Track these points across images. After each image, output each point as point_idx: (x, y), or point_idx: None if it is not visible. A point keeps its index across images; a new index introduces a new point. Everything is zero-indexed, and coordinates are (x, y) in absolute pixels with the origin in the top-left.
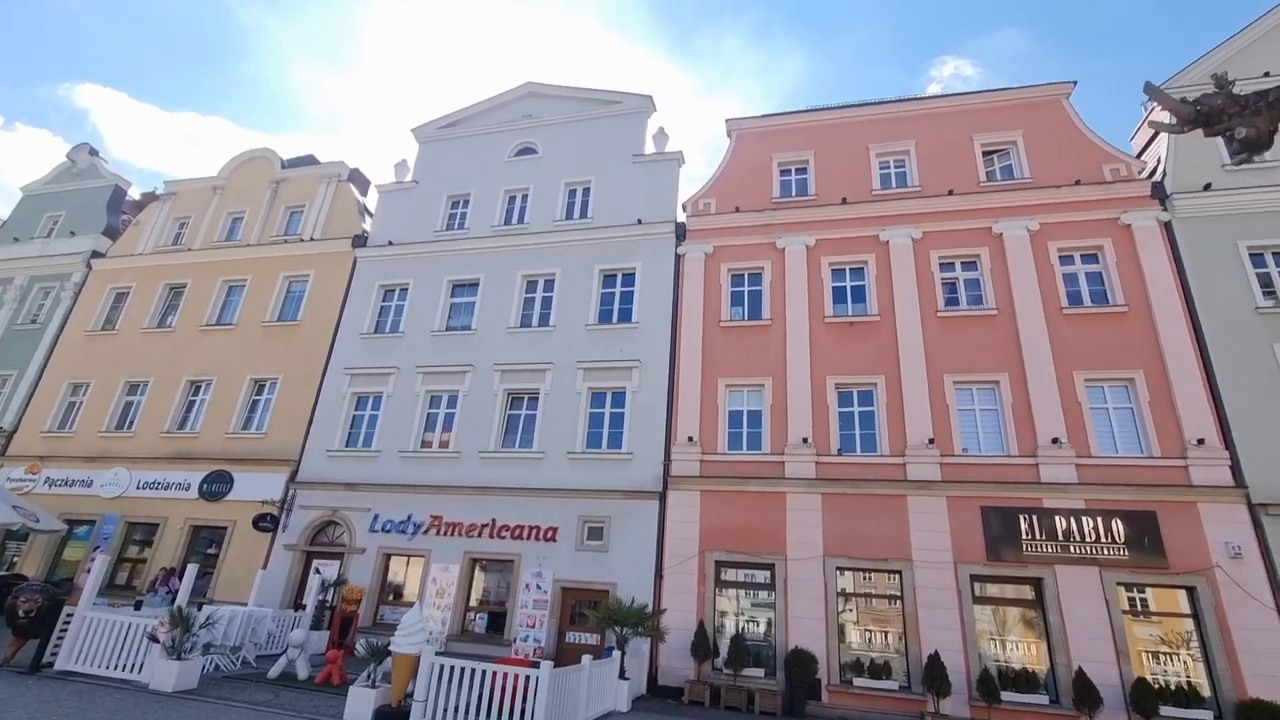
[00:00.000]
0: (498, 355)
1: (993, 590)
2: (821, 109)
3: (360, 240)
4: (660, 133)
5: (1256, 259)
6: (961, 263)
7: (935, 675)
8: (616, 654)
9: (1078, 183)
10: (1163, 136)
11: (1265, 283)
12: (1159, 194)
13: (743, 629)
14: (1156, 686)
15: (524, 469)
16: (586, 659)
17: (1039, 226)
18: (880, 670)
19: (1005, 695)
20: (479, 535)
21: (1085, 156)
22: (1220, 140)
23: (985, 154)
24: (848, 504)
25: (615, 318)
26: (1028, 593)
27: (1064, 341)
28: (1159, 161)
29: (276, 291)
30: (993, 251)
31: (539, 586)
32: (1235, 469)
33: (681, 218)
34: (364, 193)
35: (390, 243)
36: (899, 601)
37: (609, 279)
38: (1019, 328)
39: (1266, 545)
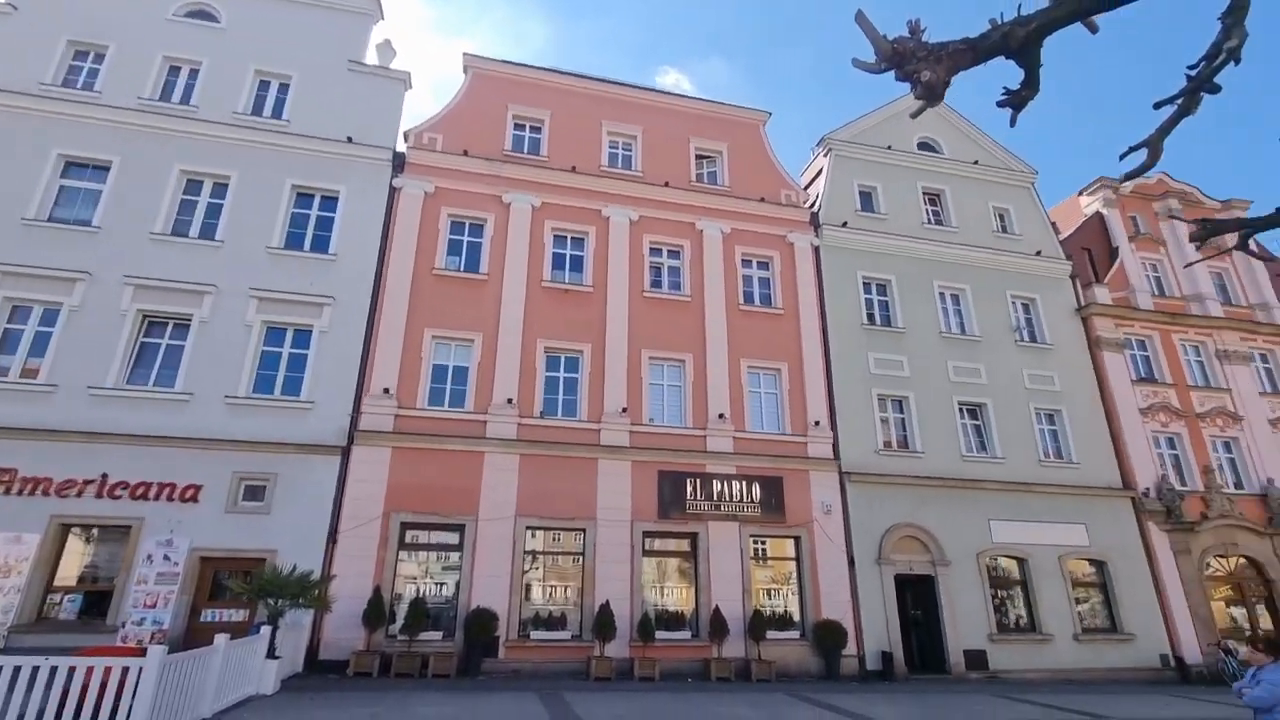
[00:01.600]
0: (132, 265)
1: (659, 545)
2: (563, 72)
3: None
4: (386, 45)
5: (867, 287)
6: (668, 250)
7: (604, 623)
8: (265, 630)
9: (762, 200)
10: (823, 178)
11: (869, 306)
12: (815, 223)
13: (425, 592)
14: (766, 616)
15: (160, 413)
16: (221, 639)
17: (730, 230)
18: (557, 622)
19: (659, 634)
20: (78, 494)
21: (770, 180)
22: (855, 187)
23: (698, 157)
24: (544, 465)
25: (308, 244)
26: (685, 546)
27: (736, 332)
28: (818, 198)
29: None
30: (693, 245)
31: (167, 558)
32: (835, 446)
33: (402, 147)
34: None
35: None
36: (581, 558)
37: (304, 198)
38: (705, 316)
39: (847, 504)
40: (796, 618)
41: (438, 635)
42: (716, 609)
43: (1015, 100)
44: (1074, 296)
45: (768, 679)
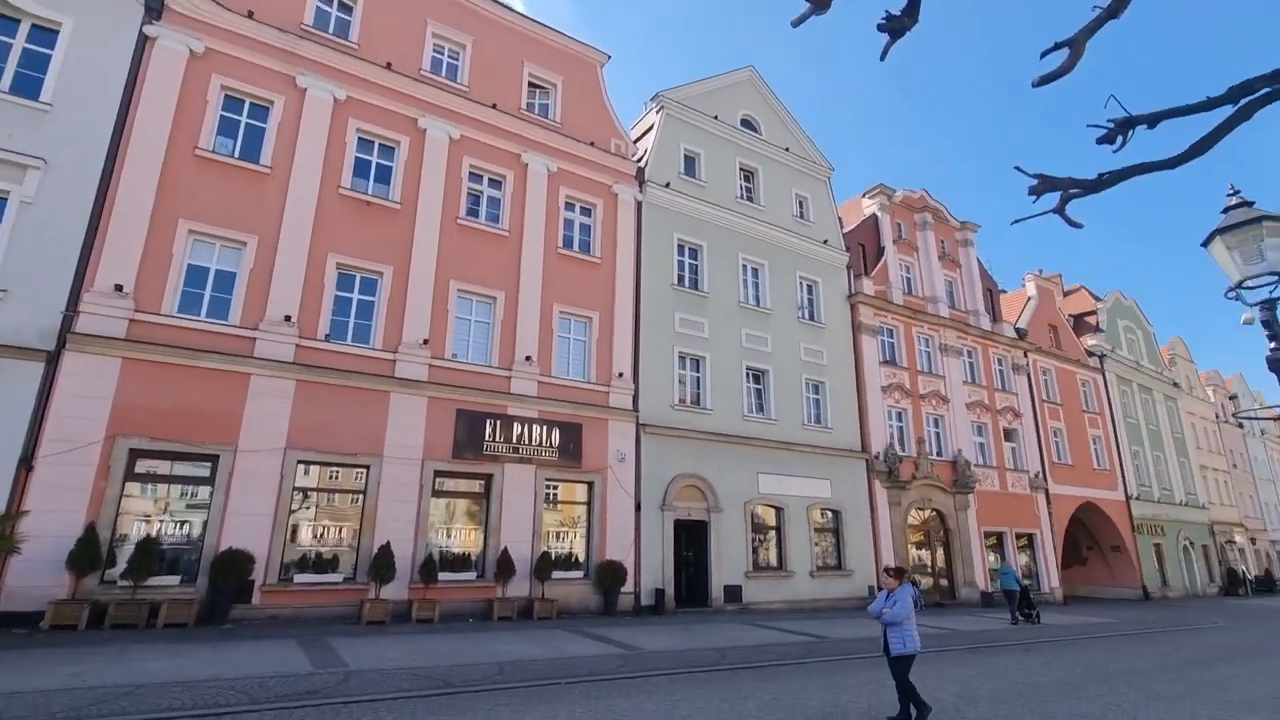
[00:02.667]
0: None
1: (450, 485)
2: None
3: None
4: None
5: (681, 249)
6: (490, 179)
7: (383, 564)
8: None
9: (593, 144)
10: (653, 134)
11: (681, 268)
12: (640, 178)
13: (162, 532)
14: (553, 557)
15: None
16: None
17: (557, 170)
18: (327, 564)
19: (442, 575)
20: None
21: (602, 125)
22: (681, 150)
23: (530, 85)
24: (325, 395)
25: (9, 84)
26: (478, 487)
27: (552, 275)
28: (646, 154)
29: None
30: (517, 178)
31: None
32: (635, 398)
33: None
34: None
35: None
36: (361, 497)
37: (6, 23)
38: (523, 254)
39: (640, 453)
40: (582, 559)
41: (174, 580)
42: (505, 550)
43: (893, 26)
44: (847, 285)
45: (549, 617)
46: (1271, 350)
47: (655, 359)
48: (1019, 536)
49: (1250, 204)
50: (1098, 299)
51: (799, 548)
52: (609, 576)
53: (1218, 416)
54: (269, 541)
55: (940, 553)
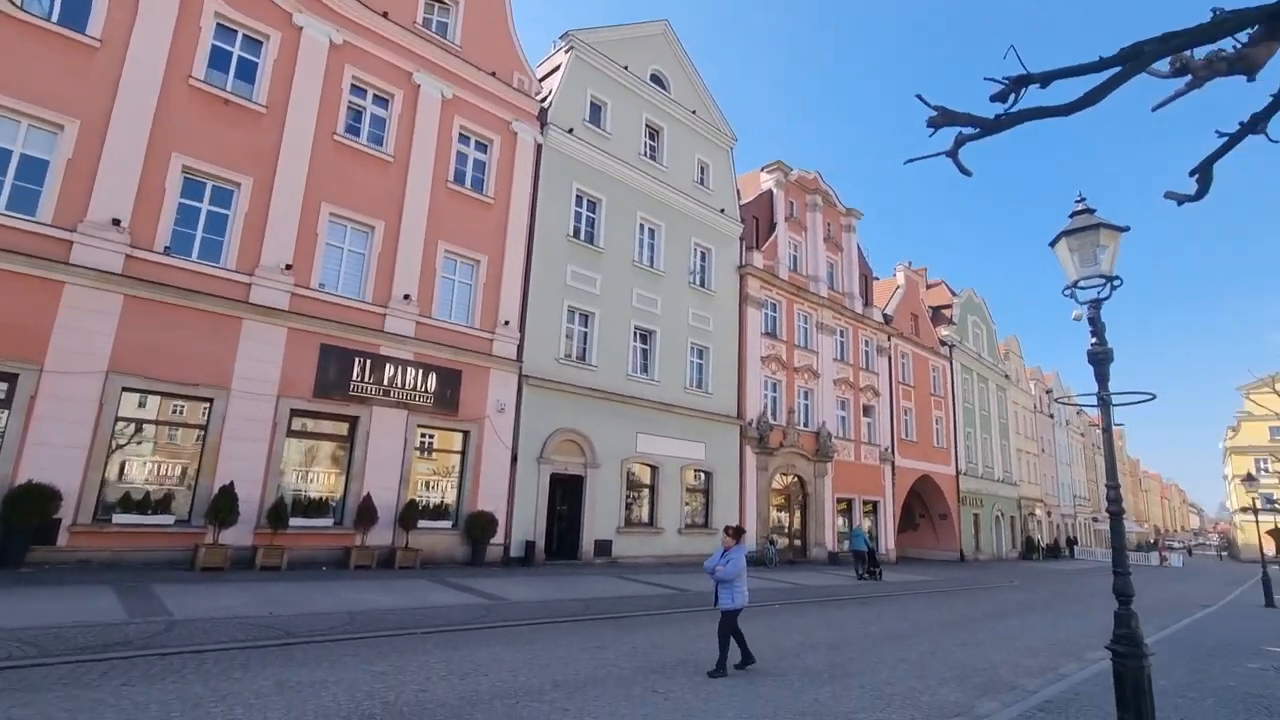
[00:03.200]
0: None
1: (311, 425)
2: None
3: None
4: None
5: (579, 200)
6: (375, 95)
7: (223, 507)
8: None
9: (494, 75)
10: (560, 75)
11: (578, 220)
12: (543, 120)
13: None
14: (421, 506)
15: None
16: None
17: (452, 97)
18: (158, 505)
19: (295, 521)
20: None
21: (506, 57)
22: (588, 96)
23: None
24: (163, 315)
25: None
26: (343, 430)
27: (440, 211)
28: (550, 94)
29: None
30: (406, 98)
31: None
32: (520, 348)
33: None
34: None
35: None
36: (202, 433)
37: None
38: (408, 183)
39: (521, 405)
40: (452, 509)
41: None
42: (368, 497)
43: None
44: (739, 255)
45: (412, 567)
46: (1093, 345)
47: (544, 310)
48: (866, 503)
49: (1093, 211)
50: (954, 294)
51: (670, 506)
52: (478, 527)
53: (1035, 407)
54: (82, 476)
55: (797, 515)
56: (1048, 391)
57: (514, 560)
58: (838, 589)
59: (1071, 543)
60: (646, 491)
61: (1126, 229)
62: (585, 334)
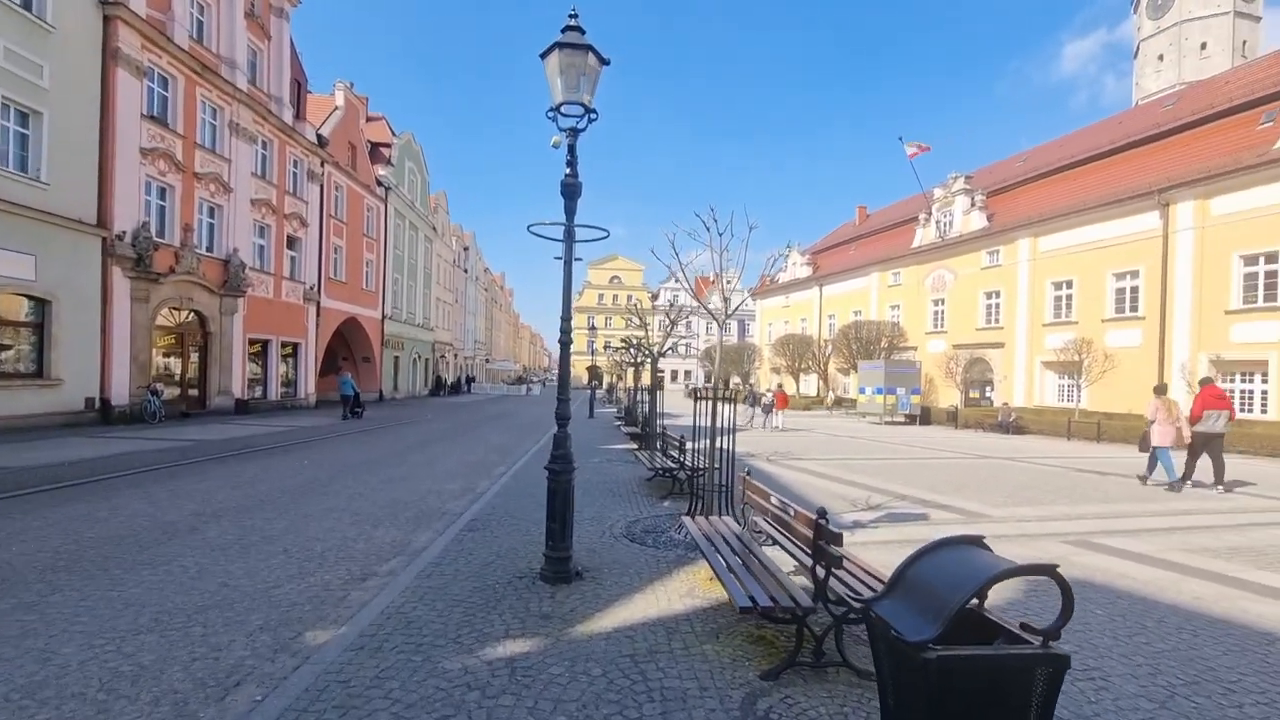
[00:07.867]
0: None
1: None
2: None
3: None
4: None
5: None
6: None
7: None
8: None
9: None
10: None
11: None
12: None
13: None
14: None
15: None
16: None
17: None
18: None
19: None
20: None
21: None
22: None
23: None
24: None
25: None
26: None
27: None
28: None
29: None
30: None
31: None
32: None
33: None
34: None
35: None
36: None
37: None
38: None
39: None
40: None
41: None
42: None
43: None
44: None
45: None
46: (567, 176)
47: None
48: (284, 345)
49: (584, 32)
50: (395, 135)
51: None
52: None
53: (455, 261)
54: None
55: (195, 359)
56: (465, 249)
57: None
58: (251, 439)
59: (470, 380)
60: None
61: (608, 62)
62: None
